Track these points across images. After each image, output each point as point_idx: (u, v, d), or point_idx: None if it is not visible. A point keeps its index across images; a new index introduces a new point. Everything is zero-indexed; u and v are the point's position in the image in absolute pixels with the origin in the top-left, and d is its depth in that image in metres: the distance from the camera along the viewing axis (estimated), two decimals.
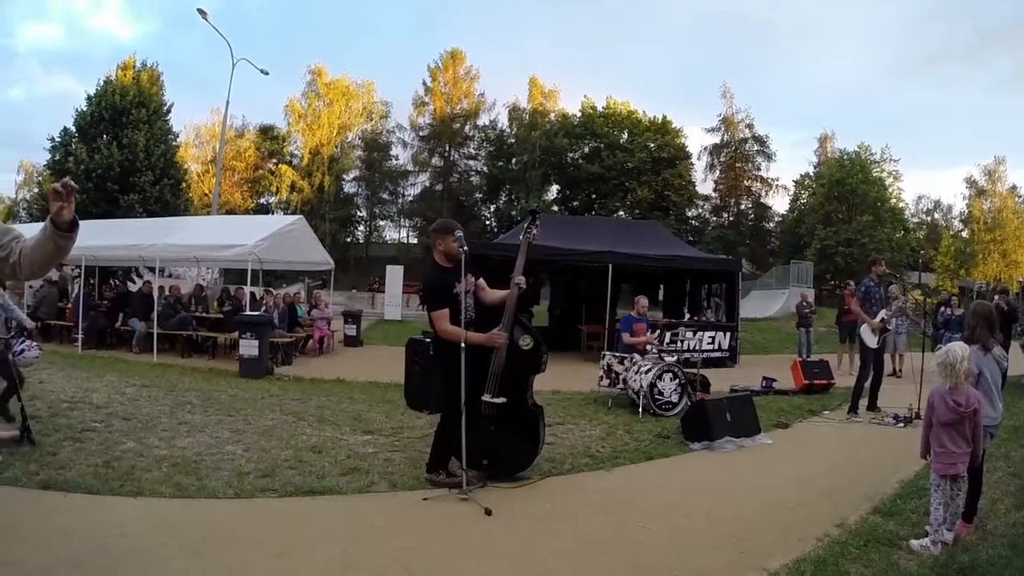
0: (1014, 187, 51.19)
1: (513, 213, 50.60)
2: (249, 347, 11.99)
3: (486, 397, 5.55)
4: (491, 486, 5.59)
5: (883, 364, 10.46)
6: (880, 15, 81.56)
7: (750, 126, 54.36)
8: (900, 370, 14.73)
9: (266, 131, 54.54)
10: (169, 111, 33.95)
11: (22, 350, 6.42)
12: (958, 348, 4.76)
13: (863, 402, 9.89)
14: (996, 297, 15.18)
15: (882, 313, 9.87)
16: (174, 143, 34.50)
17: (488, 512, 4.90)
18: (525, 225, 6.06)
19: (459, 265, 5.56)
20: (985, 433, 4.92)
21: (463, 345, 5.27)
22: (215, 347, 15.14)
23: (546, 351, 5.95)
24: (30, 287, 16.95)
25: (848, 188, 46.75)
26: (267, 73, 29.98)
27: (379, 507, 5.16)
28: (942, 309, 15.88)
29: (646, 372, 9.43)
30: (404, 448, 6.87)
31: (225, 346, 15.02)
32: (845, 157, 50.65)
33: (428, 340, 9.28)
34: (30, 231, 2.91)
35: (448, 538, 4.57)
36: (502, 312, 5.68)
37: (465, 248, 5.55)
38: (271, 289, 17.48)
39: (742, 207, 55.85)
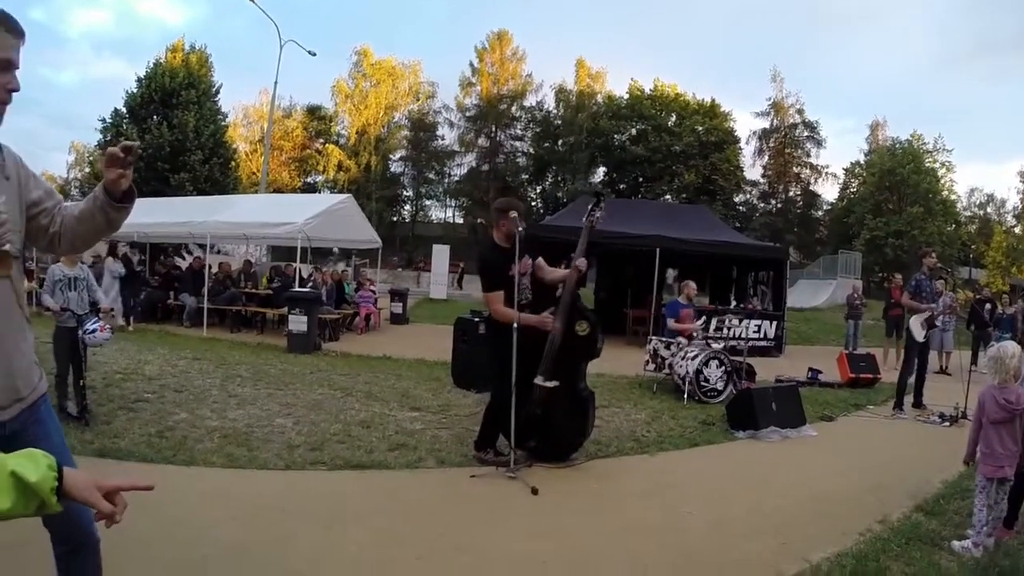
0: None
1: (559, 195, 50.66)
2: (298, 323, 12.16)
3: (538, 380, 5.52)
4: (537, 466, 5.63)
5: (927, 360, 10.29)
6: (935, 1, 79.38)
7: (800, 111, 53.56)
8: (947, 367, 14.49)
9: (313, 111, 55.01)
10: (218, 92, 34.44)
11: (94, 329, 6.45)
12: (1010, 345, 4.73)
13: (908, 399, 9.76)
14: None
15: (934, 307, 9.70)
16: (223, 123, 35.01)
17: (535, 491, 4.95)
18: (589, 207, 5.92)
19: (516, 245, 5.52)
20: None
21: (515, 326, 5.28)
22: (264, 322, 15.37)
23: (602, 337, 5.92)
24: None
25: (899, 178, 45.80)
26: (315, 54, 30.07)
27: (427, 483, 5.25)
28: (987, 307, 15.57)
29: (692, 358, 9.39)
30: (451, 426, 6.96)
31: (273, 322, 15.26)
32: (897, 146, 49.64)
33: (476, 319, 9.37)
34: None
35: (495, 516, 4.64)
36: (558, 294, 5.69)
37: (521, 228, 5.50)
38: (320, 266, 17.68)
39: (790, 194, 55.08)
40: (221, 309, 15.37)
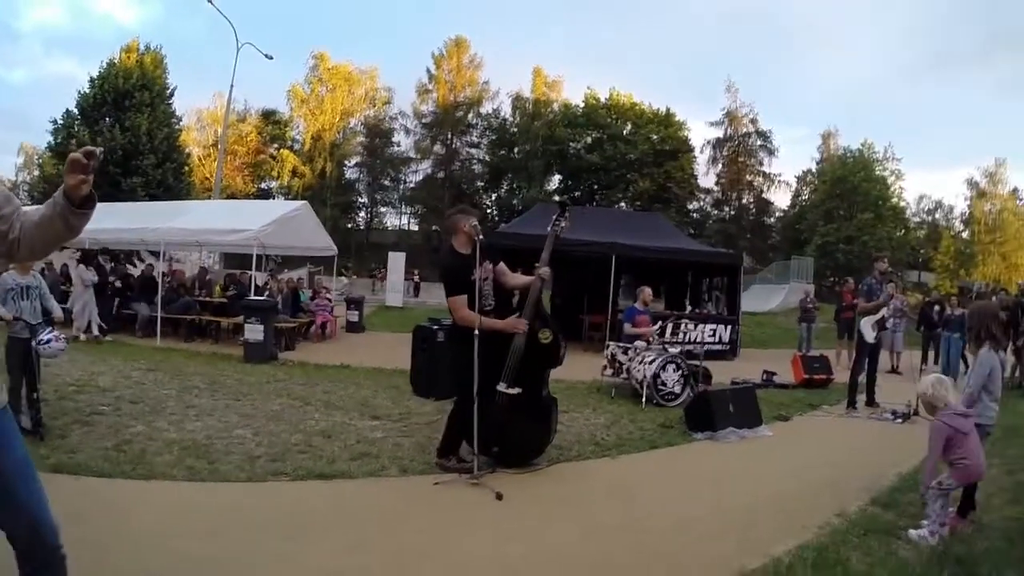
0: (1015, 190, 51.36)
1: (514, 202, 50.74)
2: (254, 332, 12.00)
3: (501, 387, 5.56)
4: (500, 472, 5.64)
5: (878, 360, 10.56)
6: (888, 15, 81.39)
7: (754, 121, 54.48)
8: (898, 366, 14.86)
9: (268, 116, 54.52)
10: (172, 94, 34.01)
11: (48, 340, 6.26)
12: (923, 381, 5.05)
13: (862, 398, 10.02)
14: (994, 298, 15.29)
15: (883, 311, 9.98)
16: (177, 127, 34.53)
17: (499, 496, 4.96)
18: (554, 217, 5.95)
19: (476, 251, 5.56)
20: (983, 431, 5.08)
21: (476, 332, 5.28)
22: (219, 332, 15.15)
23: (564, 345, 5.96)
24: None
25: (850, 186, 47.03)
26: (271, 58, 29.86)
27: (391, 491, 5.23)
28: (935, 308, 16.02)
29: (650, 362, 9.49)
30: (412, 433, 6.94)
31: (228, 331, 15.04)
32: (848, 155, 50.84)
33: (435, 327, 9.37)
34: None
35: (460, 522, 4.64)
36: (522, 300, 5.73)
37: (480, 237, 5.55)
38: (275, 274, 17.51)
39: (744, 201, 55.98)
40: (175, 318, 15.08)
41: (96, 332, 13.51)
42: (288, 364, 11.87)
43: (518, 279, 5.93)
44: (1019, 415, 10.12)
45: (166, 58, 34.92)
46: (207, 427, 6.76)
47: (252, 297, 13.54)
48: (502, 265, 5.93)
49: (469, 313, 5.49)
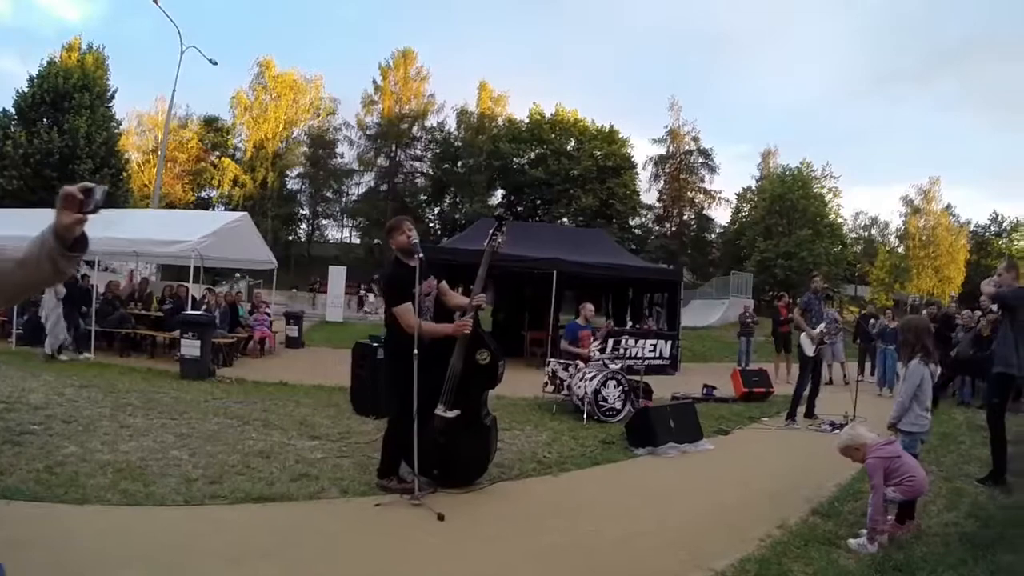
0: (948, 206, 53.89)
1: (457, 216, 50.65)
2: (191, 347, 11.70)
3: (439, 411, 5.51)
4: (442, 492, 5.60)
5: (820, 373, 10.82)
6: (830, 32, 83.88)
7: (696, 138, 55.71)
8: (846, 375, 15.18)
9: (210, 122, 53.50)
10: (113, 97, 33.25)
11: None
12: (839, 439, 5.33)
13: (801, 409, 10.25)
14: (924, 311, 15.78)
15: (821, 326, 10.23)
16: (116, 131, 33.69)
17: (441, 517, 4.92)
18: (491, 231, 5.85)
19: (418, 262, 5.55)
20: (916, 439, 5.41)
21: (415, 351, 5.22)
22: (154, 346, 14.78)
23: (503, 364, 5.92)
24: None
25: (788, 203, 48.28)
26: (215, 63, 29.39)
27: (331, 513, 5.13)
28: (871, 321, 16.53)
29: (591, 379, 9.55)
30: (352, 453, 6.83)
31: (164, 345, 14.69)
32: (787, 172, 52.30)
33: (375, 344, 9.27)
34: None
35: (403, 543, 4.59)
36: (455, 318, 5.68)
37: (416, 241, 5.58)
38: (213, 288, 17.13)
39: (685, 218, 57.01)
40: (109, 332, 14.67)
41: (72, 354, 13.07)
42: (226, 381, 11.58)
43: (458, 299, 5.92)
44: (954, 423, 10.52)
45: (108, 59, 34.12)
46: (142, 448, 6.54)
47: (189, 311, 13.24)
48: (444, 284, 5.93)
49: (414, 318, 5.40)
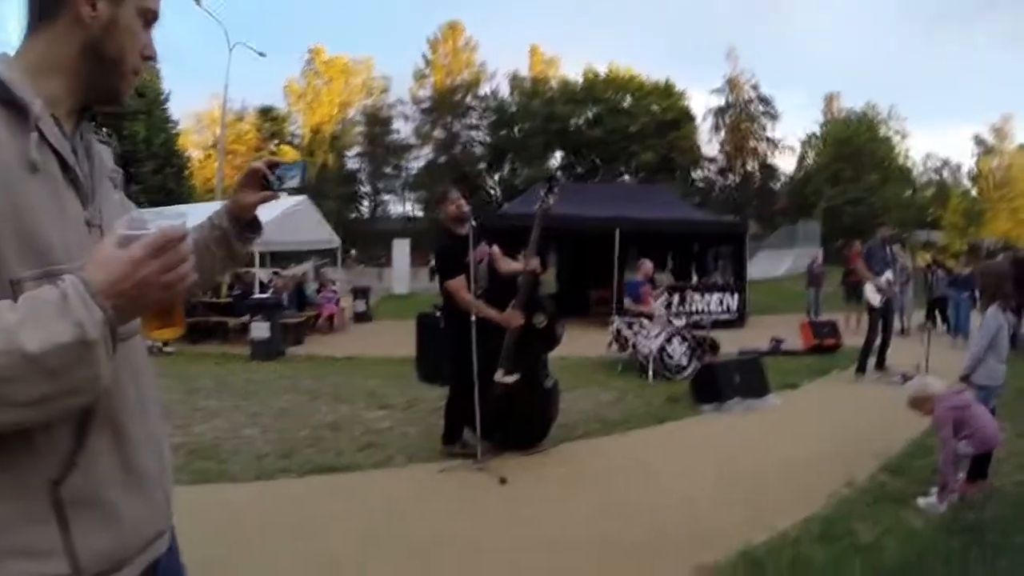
0: (1023, 145, 50.82)
1: (517, 183, 50.38)
2: (260, 329, 12.03)
3: (498, 376, 5.47)
4: (506, 455, 5.64)
5: (891, 324, 10.48)
6: None
7: (755, 87, 53.86)
8: (904, 327, 14.75)
9: (266, 112, 53.78)
10: (167, 100, 33.84)
11: None
12: (912, 385, 5.18)
13: (871, 361, 9.94)
14: (1000, 256, 15.16)
15: (887, 274, 9.87)
16: (174, 131, 34.44)
17: (503, 481, 4.98)
18: (542, 193, 5.68)
19: (472, 230, 5.52)
20: (991, 393, 5.19)
21: (473, 319, 5.25)
22: (226, 332, 15.15)
23: (562, 326, 5.91)
24: None
25: (855, 147, 46.58)
26: (264, 55, 29.73)
27: (398, 480, 5.24)
28: (938, 272, 15.94)
29: (655, 336, 9.48)
30: (419, 421, 6.94)
31: (236, 330, 15.03)
32: (852, 116, 50.42)
33: (437, 314, 9.33)
34: None
35: (467, 508, 4.66)
36: (516, 286, 5.61)
37: (466, 209, 5.56)
38: (279, 271, 17.45)
39: (748, 168, 55.51)
40: None
41: None
42: (296, 359, 11.90)
43: (512, 265, 5.86)
44: None
45: (158, 63, 34.77)
46: (215, 428, 6.77)
47: (257, 295, 13.53)
48: (496, 249, 5.90)
49: (469, 297, 5.41)
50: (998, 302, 5.23)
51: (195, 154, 47.29)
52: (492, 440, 5.69)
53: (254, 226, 1.69)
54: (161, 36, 1.42)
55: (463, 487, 5.02)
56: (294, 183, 1.62)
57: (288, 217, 15.23)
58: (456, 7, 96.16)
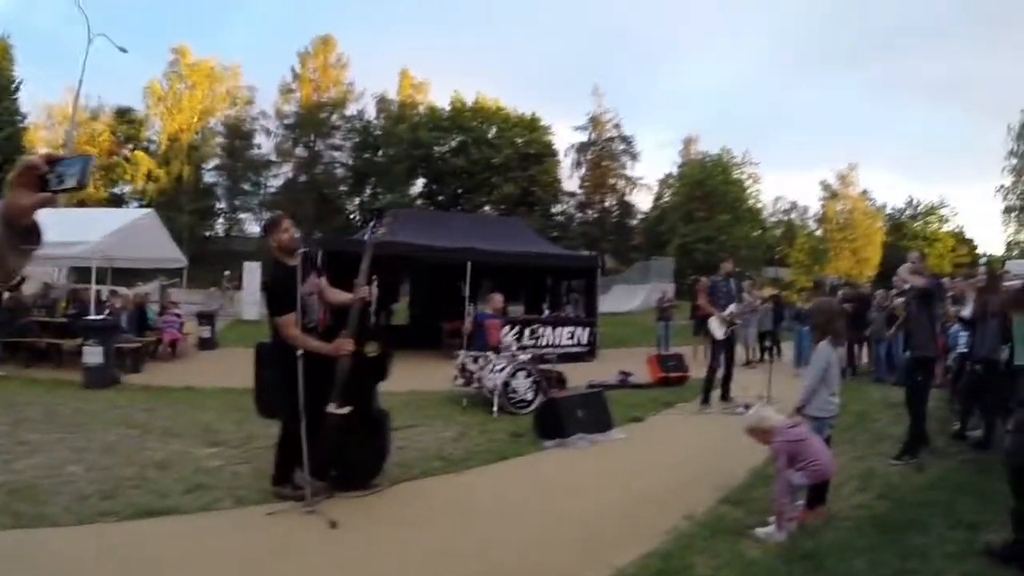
0: (865, 191, 55.80)
1: (377, 207, 50.10)
2: (93, 355, 11.27)
3: (331, 408, 5.37)
4: (339, 496, 5.50)
5: (734, 355, 10.98)
6: (749, 24, 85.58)
7: (617, 125, 56.38)
8: (753, 359, 15.58)
9: (123, 114, 50.85)
10: (18, 88, 31.76)
11: None
12: (750, 415, 5.47)
13: (716, 393, 10.39)
14: (840, 292, 16.29)
15: (731, 307, 10.37)
16: (21, 124, 32.19)
17: (333, 524, 4.84)
18: (371, 225, 5.82)
19: (302, 261, 5.44)
20: (824, 424, 5.38)
21: (299, 353, 5.13)
22: (60, 355, 14.11)
23: (392, 356, 5.87)
24: None
25: (708, 188, 49.19)
26: (126, 51, 28.09)
27: (222, 525, 5.00)
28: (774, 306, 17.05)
29: (499, 370, 9.55)
30: (252, 459, 6.67)
31: (72, 354, 14.04)
32: (707, 159, 53.22)
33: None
34: None
35: (294, 554, 4.50)
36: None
37: (298, 238, 5.48)
38: (117, 289, 16.44)
39: (607, 204, 57.60)
40: (13, 342, 13.83)
41: None
42: (131, 388, 11.19)
43: (341, 296, 5.76)
44: (869, 401, 10.77)
45: (14, 47, 32.59)
46: (37, 465, 6.28)
47: (92, 316, 12.76)
48: (324, 280, 5.80)
49: (297, 333, 5.30)
50: (829, 337, 5.48)
51: (44, 152, 44.18)
52: (326, 479, 5.56)
53: (32, 235, 1.42)
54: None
55: (291, 531, 4.83)
56: (72, 182, 1.39)
57: (131, 230, 14.54)
58: (332, 21, 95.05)
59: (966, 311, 8.46)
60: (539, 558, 4.52)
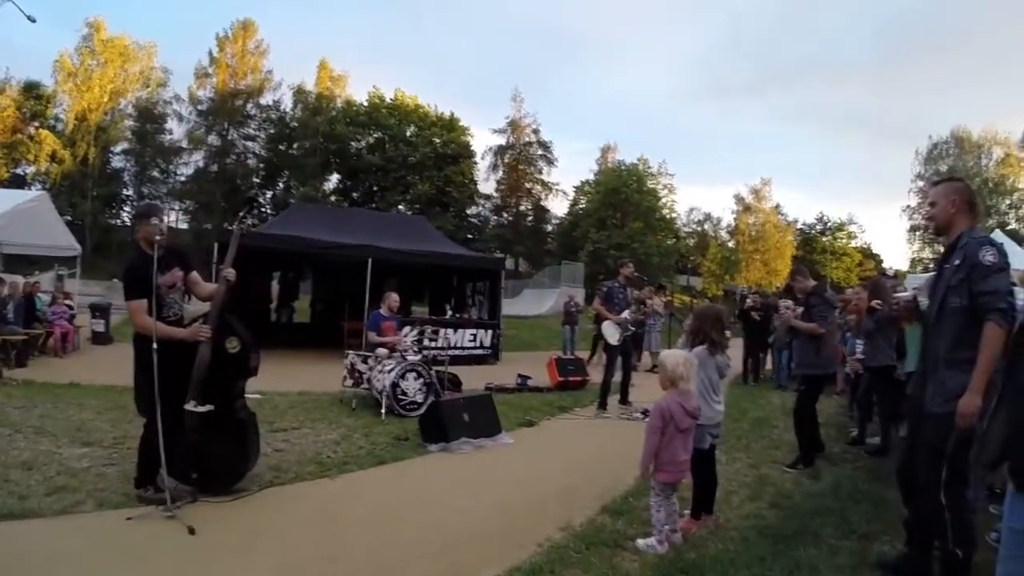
0: (778, 206, 59.33)
1: (291, 201, 49.32)
2: None
3: (189, 406, 5.24)
4: (203, 501, 5.35)
5: (631, 360, 11.10)
6: (675, 41, 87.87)
7: (536, 131, 57.36)
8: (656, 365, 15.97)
9: (31, 88, 48.39)
10: None
11: None
12: (675, 354, 5.08)
13: (614, 398, 10.52)
14: (748, 299, 16.80)
15: (626, 313, 10.51)
16: None
17: (192, 531, 4.72)
18: (240, 214, 5.78)
19: (166, 254, 5.36)
20: (705, 433, 5.19)
21: (155, 345, 5.02)
22: None
23: (256, 353, 5.75)
24: None
25: (623, 196, 50.30)
26: (34, 20, 26.63)
27: (79, 530, 4.81)
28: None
29: (388, 371, 9.48)
30: (121, 461, 6.44)
31: None
32: (623, 168, 54.52)
33: None
34: None
35: (148, 561, 4.35)
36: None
37: (162, 234, 5.33)
38: (3, 277, 15.67)
39: (522, 208, 58.11)
40: None
41: None
42: (11, 384, 10.67)
43: (208, 288, 5.70)
44: (770, 408, 11.02)
45: None
46: None
47: None
48: (195, 274, 5.71)
49: (147, 319, 5.18)
50: (707, 345, 5.31)
51: None
52: (188, 482, 5.43)
53: None
54: None
55: (149, 537, 4.68)
56: None
57: (21, 213, 13.93)
58: (253, 5, 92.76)
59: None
60: (397, 571, 4.37)
